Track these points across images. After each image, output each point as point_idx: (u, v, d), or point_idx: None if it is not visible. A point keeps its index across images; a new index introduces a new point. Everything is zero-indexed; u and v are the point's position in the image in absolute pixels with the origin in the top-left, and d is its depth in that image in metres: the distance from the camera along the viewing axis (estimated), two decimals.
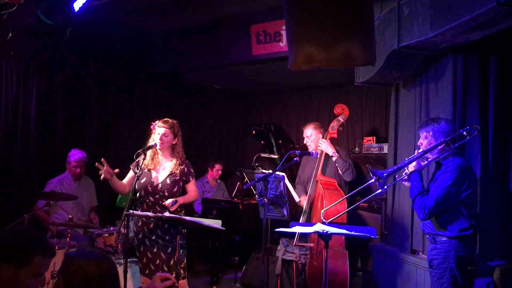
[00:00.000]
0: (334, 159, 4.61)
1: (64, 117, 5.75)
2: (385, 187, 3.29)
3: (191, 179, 4.02)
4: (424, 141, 3.29)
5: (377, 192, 3.42)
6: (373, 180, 3.21)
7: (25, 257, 1.92)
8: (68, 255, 1.92)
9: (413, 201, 3.24)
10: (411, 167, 3.28)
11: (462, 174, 3.09)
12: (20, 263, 1.91)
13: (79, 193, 5.15)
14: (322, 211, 3.89)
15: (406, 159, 3.33)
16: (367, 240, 4.71)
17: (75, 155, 5.11)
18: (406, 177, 3.35)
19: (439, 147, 3.21)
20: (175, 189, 3.89)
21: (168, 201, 3.80)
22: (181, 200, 3.91)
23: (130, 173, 4.06)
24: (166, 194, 3.87)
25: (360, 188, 3.69)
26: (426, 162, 3.31)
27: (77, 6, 3.81)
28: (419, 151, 3.30)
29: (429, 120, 3.34)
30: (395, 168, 3.29)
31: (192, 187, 4.06)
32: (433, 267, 3.23)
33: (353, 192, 3.84)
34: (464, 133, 3.20)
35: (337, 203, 4.11)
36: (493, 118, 3.80)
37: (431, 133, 3.25)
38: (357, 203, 4.30)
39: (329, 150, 4.63)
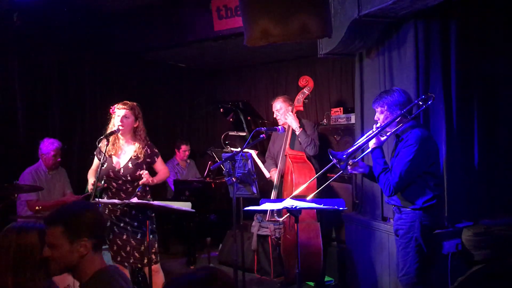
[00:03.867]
0: (297, 133, 4.60)
1: (24, 106, 5.55)
2: (349, 167, 3.30)
3: (156, 159, 3.96)
4: (380, 116, 3.28)
5: (340, 173, 3.44)
6: (333, 162, 3.20)
7: None
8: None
9: (378, 179, 3.24)
10: (371, 144, 3.27)
11: (422, 145, 3.09)
12: None
13: (52, 184, 5.05)
14: (292, 195, 3.87)
15: (365, 135, 3.32)
16: (339, 210, 4.76)
17: (52, 144, 4.96)
18: (371, 151, 3.35)
19: (396, 121, 3.20)
20: (138, 172, 3.82)
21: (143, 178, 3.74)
22: (155, 180, 3.85)
23: (95, 161, 3.99)
24: (129, 178, 3.80)
25: (322, 171, 3.73)
26: (385, 136, 3.30)
27: None
28: (377, 126, 3.29)
29: (382, 93, 3.32)
30: (354, 148, 3.27)
31: (160, 165, 4.01)
32: (399, 236, 3.28)
33: (317, 175, 3.87)
34: (420, 102, 3.20)
35: (305, 186, 4.07)
36: (455, 83, 3.82)
37: (386, 107, 3.23)
38: (328, 181, 4.30)
39: (294, 124, 4.62)
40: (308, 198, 3.92)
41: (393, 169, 3.17)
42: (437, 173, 3.24)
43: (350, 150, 3.24)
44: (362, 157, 3.51)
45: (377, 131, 3.24)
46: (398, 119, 3.20)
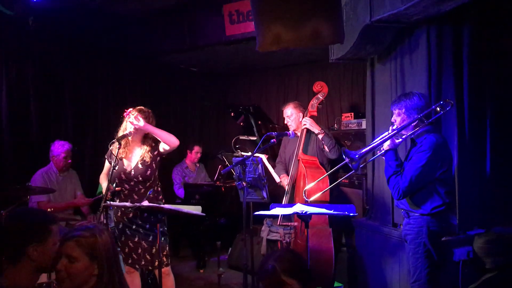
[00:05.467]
0: (320, 137, 4.59)
1: (38, 108, 5.62)
2: (361, 166, 3.27)
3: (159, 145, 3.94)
4: (397, 118, 3.27)
5: (351, 172, 3.41)
6: (346, 161, 3.19)
7: (44, 231, 2.20)
8: (66, 235, 2.08)
9: (388, 181, 3.24)
10: (386, 146, 3.25)
11: (436, 152, 3.07)
12: (43, 238, 2.18)
13: (63, 186, 5.11)
14: (305, 189, 3.88)
15: (380, 137, 3.31)
16: (349, 215, 4.75)
17: (63, 146, 5.03)
18: (384, 153, 3.33)
19: (412, 124, 3.19)
20: (149, 172, 3.85)
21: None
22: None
23: (107, 164, 4.03)
24: (141, 179, 3.84)
25: (335, 168, 3.69)
26: (400, 139, 3.28)
27: None
28: (393, 128, 3.28)
29: (401, 96, 3.30)
30: (368, 149, 3.25)
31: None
32: (408, 242, 3.26)
33: (330, 171, 3.84)
34: (438, 108, 3.17)
35: (318, 180, 4.11)
36: (468, 89, 3.79)
37: (403, 110, 3.21)
38: (338, 180, 4.30)
39: (315, 128, 4.61)
40: (316, 196, 3.92)
41: (404, 173, 3.15)
42: (448, 181, 3.22)
43: (363, 150, 3.23)
44: (373, 160, 3.49)
45: (392, 133, 3.23)
46: (414, 123, 3.18)
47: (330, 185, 4.21)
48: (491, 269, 3.62)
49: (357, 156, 3.16)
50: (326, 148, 4.58)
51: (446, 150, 3.20)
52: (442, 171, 3.13)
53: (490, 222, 3.85)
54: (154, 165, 3.89)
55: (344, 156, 3.21)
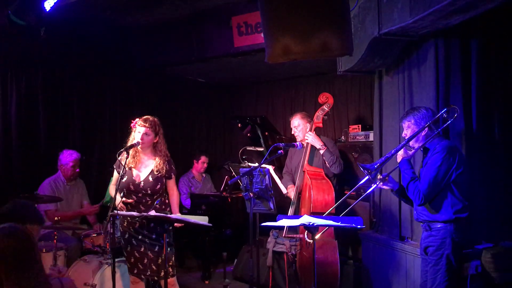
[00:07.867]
0: (321, 152, 4.59)
1: (46, 117, 5.67)
2: (380, 183, 3.32)
3: (173, 175, 4.01)
4: (407, 130, 3.33)
5: (372, 189, 3.43)
6: (366, 177, 3.21)
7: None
8: None
9: (407, 188, 3.26)
10: (399, 156, 3.31)
11: (450, 153, 3.13)
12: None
13: (70, 195, 5.15)
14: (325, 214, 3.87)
15: (393, 149, 3.33)
16: (356, 228, 4.72)
17: (71, 155, 5.08)
18: (399, 163, 3.36)
19: (423, 133, 3.25)
20: (158, 186, 3.85)
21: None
22: (176, 212, 3.91)
23: (115, 174, 4.03)
24: (149, 192, 3.84)
25: (355, 188, 3.68)
26: (413, 150, 3.33)
27: (48, 5, 3.73)
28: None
29: (409, 110, 3.39)
30: (383, 159, 3.28)
31: (173, 184, 4.08)
32: (429, 254, 3.26)
33: (349, 193, 3.84)
34: (444, 115, 3.24)
35: (331, 210, 4.08)
36: (476, 101, 3.81)
37: (412, 121, 3.29)
38: (343, 197, 4.27)
39: (316, 143, 4.60)
40: (329, 211, 3.92)
41: (421, 177, 3.20)
42: (464, 184, 3.22)
43: (379, 160, 3.29)
44: (390, 172, 3.50)
45: (404, 142, 3.30)
46: (424, 132, 3.24)
47: (336, 201, 4.21)
48: (500, 284, 3.59)
49: (375, 166, 3.21)
50: (327, 163, 4.58)
51: (459, 153, 3.25)
52: (459, 173, 3.15)
53: (498, 236, 3.83)
54: (164, 180, 3.91)
55: (362, 170, 3.23)
